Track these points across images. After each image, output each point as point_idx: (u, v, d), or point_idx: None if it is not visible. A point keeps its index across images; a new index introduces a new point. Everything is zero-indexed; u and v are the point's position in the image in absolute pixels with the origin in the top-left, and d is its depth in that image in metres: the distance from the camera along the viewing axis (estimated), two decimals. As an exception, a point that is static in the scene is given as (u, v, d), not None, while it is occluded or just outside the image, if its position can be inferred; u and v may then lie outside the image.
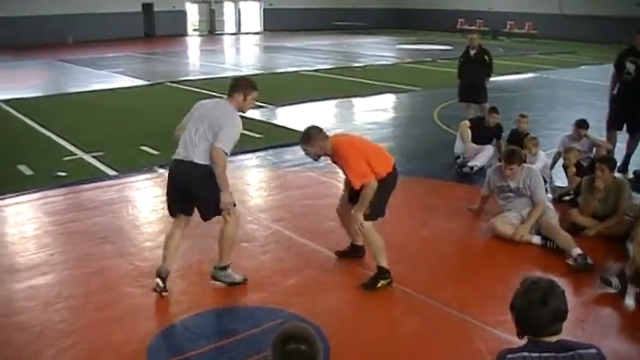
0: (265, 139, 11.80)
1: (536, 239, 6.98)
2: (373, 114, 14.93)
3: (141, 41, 36.30)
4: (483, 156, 9.65)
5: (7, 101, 16.16)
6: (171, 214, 5.96)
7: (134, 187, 9.21)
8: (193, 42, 38.85)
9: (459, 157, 9.80)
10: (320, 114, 15.07)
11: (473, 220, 7.73)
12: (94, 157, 10.63)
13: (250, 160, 10.56)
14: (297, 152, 10.75)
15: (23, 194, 8.83)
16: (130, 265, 6.48)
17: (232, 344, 5.06)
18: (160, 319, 5.48)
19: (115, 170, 9.80)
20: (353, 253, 6.64)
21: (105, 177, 9.58)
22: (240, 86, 5.92)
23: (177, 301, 5.82)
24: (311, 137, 5.95)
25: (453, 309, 5.57)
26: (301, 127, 12.17)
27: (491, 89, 12.43)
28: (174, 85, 19.42)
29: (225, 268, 5.95)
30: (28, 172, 9.87)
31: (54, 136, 12.25)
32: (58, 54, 28.61)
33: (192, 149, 5.59)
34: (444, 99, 15.26)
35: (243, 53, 34.11)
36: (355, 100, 16.80)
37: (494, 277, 6.31)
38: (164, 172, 9.56)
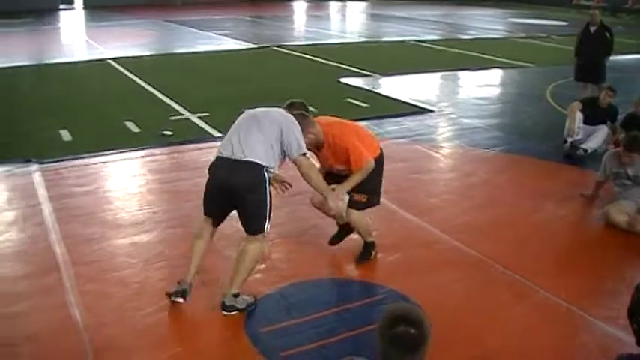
0: (370, 108, 11.63)
1: (655, 231, 6.58)
2: (481, 89, 14.48)
3: (248, 5, 36.49)
4: (597, 138, 9.13)
5: (116, 59, 16.51)
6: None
7: (238, 150, 9.21)
8: (299, 7, 38.85)
9: (566, 141, 9.28)
10: (425, 86, 14.75)
11: (585, 206, 7.34)
12: (199, 117, 10.71)
13: (354, 129, 10.39)
14: (403, 123, 10.62)
15: (129, 151, 8.98)
16: (231, 228, 6.39)
17: (329, 317, 4.96)
18: (259, 285, 5.41)
19: (219, 132, 9.82)
20: (344, 234, 6.09)
21: (210, 138, 9.62)
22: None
23: (276, 268, 5.76)
24: (299, 124, 5.14)
25: (560, 298, 5.27)
26: (407, 98, 12.25)
27: (609, 69, 11.83)
28: (280, 49, 19.41)
29: (237, 294, 5.09)
30: (134, 129, 10.04)
31: (161, 95, 12.43)
32: (165, 14, 29.12)
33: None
34: (558, 77, 14.64)
35: (349, 20, 33.87)
36: (462, 74, 16.35)
37: (606, 269, 5.97)
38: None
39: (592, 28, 11.63)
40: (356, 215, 5.68)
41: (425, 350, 2.62)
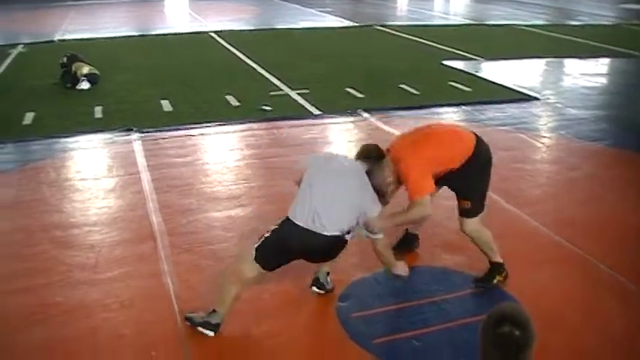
0: (473, 92, 11.33)
1: None
2: (590, 78, 13.89)
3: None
4: None
5: (218, 32, 16.67)
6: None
7: (337, 129, 9.15)
8: (403, -13, 38.38)
9: None
10: (531, 72, 14.28)
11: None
12: (298, 94, 10.69)
13: (456, 113, 10.16)
14: (506, 110, 10.31)
15: (228, 124, 9.03)
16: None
17: (426, 306, 4.81)
18: (353, 268, 5.33)
19: (319, 109, 9.78)
20: (406, 244, 5.69)
21: (308, 115, 9.58)
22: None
23: (371, 253, 5.57)
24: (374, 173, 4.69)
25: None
26: (511, 84, 11.89)
27: None
28: (383, 29, 19.21)
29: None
30: (234, 102, 10.10)
31: (261, 70, 12.50)
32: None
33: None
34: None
35: (453, 2, 33.19)
36: (570, 62, 15.74)
37: None
38: (368, 117, 9.48)
39: None
40: (472, 225, 5.08)
41: (529, 352, 2.53)
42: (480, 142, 4.98)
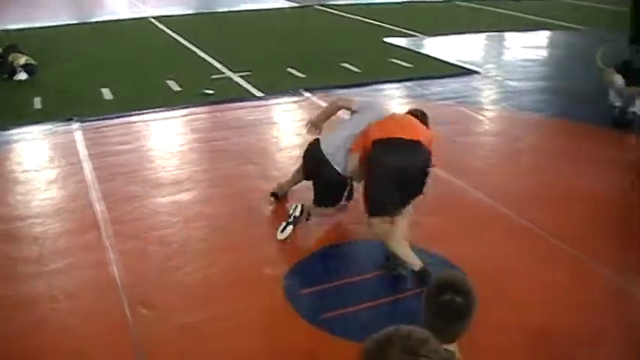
0: (414, 69, 11.40)
1: None
2: (529, 51, 14.09)
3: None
4: None
5: (157, 17, 16.45)
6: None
7: (279, 109, 9.14)
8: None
9: (614, 106, 9.02)
10: (471, 47, 14.41)
11: (635, 172, 7.09)
12: (240, 76, 10.62)
13: (398, 89, 10.23)
14: (448, 85, 10.41)
15: (170, 109, 8.94)
16: (272, 188, 6.37)
17: (372, 280, 4.87)
18: (300, 246, 5.36)
19: (261, 91, 9.74)
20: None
21: (251, 97, 9.54)
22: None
23: (319, 229, 5.67)
24: None
25: (613, 272, 5.05)
26: (452, 59, 11.98)
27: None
28: (324, 8, 19.17)
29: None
30: (176, 87, 9.99)
31: (202, 54, 12.36)
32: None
33: None
34: (609, 40, 14.18)
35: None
36: (509, 35, 15.93)
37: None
38: (310, 96, 9.46)
39: (647, -11, 11.18)
40: (371, 223, 5.04)
41: (470, 320, 2.57)
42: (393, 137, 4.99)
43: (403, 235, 4.92)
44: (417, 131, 5.08)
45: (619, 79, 8.97)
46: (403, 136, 4.98)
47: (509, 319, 4.46)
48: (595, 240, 5.58)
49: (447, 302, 2.50)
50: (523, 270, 5.11)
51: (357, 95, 8.60)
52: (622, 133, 8.48)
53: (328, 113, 5.96)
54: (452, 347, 2.55)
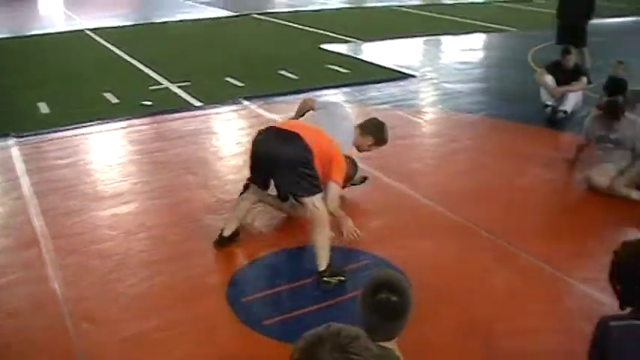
0: (352, 74, 11.54)
1: (636, 194, 6.55)
2: (464, 53, 14.39)
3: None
4: (571, 99, 9.19)
5: (94, 30, 16.29)
6: None
7: (218, 119, 9.15)
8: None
9: (547, 105, 9.33)
10: (408, 51, 14.65)
11: (568, 170, 7.32)
12: (179, 87, 10.60)
13: (336, 95, 10.29)
14: (384, 90, 10.55)
15: (109, 122, 8.87)
16: (212, 197, 6.41)
17: (313, 284, 4.91)
18: (241, 254, 5.41)
19: (200, 101, 9.75)
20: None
21: (190, 107, 9.53)
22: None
23: (260, 237, 5.72)
24: None
25: (544, 263, 5.25)
26: (389, 64, 12.16)
27: (590, 32, 11.71)
28: (261, 17, 19.21)
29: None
30: (114, 99, 9.92)
31: (140, 65, 12.29)
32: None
33: None
34: (539, 41, 14.53)
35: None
36: (445, 39, 16.23)
37: (587, 232, 5.95)
38: (249, 104, 9.50)
39: (573, -9, 11.49)
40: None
41: (407, 318, 2.63)
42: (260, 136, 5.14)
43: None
44: (303, 128, 5.16)
45: (550, 79, 9.27)
46: (283, 127, 5.19)
47: (450, 315, 4.58)
48: (530, 235, 5.78)
49: (383, 301, 2.56)
50: (462, 267, 5.25)
51: (295, 102, 8.64)
52: (554, 131, 8.76)
53: (299, 111, 6.29)
54: (390, 345, 2.62)
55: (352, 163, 5.58)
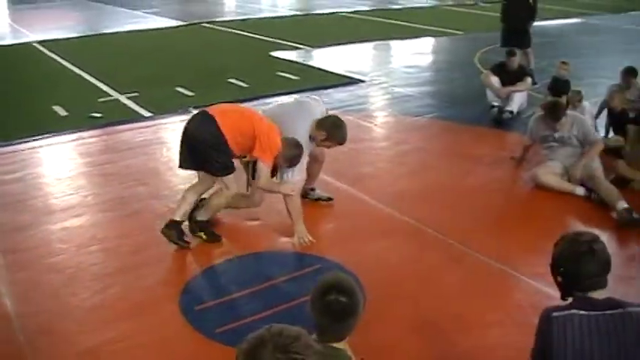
0: (301, 81, 11.62)
1: (580, 190, 6.74)
2: (412, 57, 14.61)
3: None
4: (517, 99, 9.42)
5: (41, 42, 16.11)
6: None
7: (169, 129, 9.12)
8: (230, -18, 38.36)
9: (493, 106, 9.55)
10: (357, 57, 14.79)
11: (515, 169, 7.50)
12: (128, 98, 10.56)
13: (286, 102, 10.38)
14: (334, 95, 10.65)
15: (58, 135, 8.80)
16: (164, 207, 6.41)
17: (266, 290, 4.97)
18: (194, 263, 5.43)
19: (149, 111, 9.72)
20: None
21: (140, 118, 9.50)
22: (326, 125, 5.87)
23: (212, 246, 5.74)
24: None
25: (493, 260, 5.40)
26: (338, 70, 12.27)
27: (533, 34, 11.99)
28: (210, 25, 19.19)
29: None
30: (62, 112, 9.83)
31: (88, 77, 12.20)
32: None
33: None
34: (485, 43, 14.82)
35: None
36: (393, 43, 16.44)
37: (534, 228, 6.09)
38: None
39: (516, -6, 11.74)
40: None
41: (356, 319, 2.67)
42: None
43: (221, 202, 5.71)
44: (222, 112, 5.58)
45: (495, 81, 9.48)
46: (208, 111, 5.60)
47: (403, 314, 4.69)
48: (479, 233, 5.93)
49: (332, 302, 2.60)
50: (413, 267, 5.37)
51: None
52: (501, 131, 8.96)
53: None
54: (341, 345, 2.67)
55: (295, 146, 5.62)
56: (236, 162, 5.69)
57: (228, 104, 6.26)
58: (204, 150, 5.47)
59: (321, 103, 6.36)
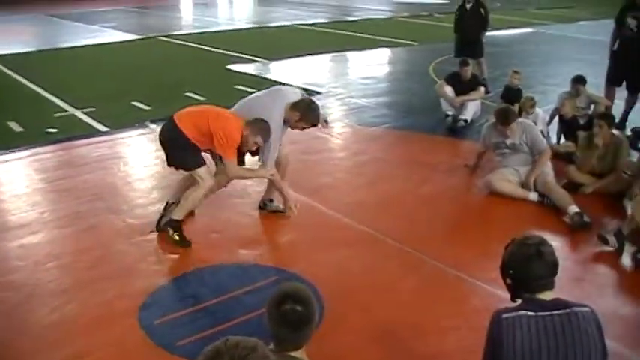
0: (259, 94, 11.63)
1: (533, 196, 6.91)
2: (368, 68, 14.75)
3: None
4: (470, 108, 9.61)
5: (-5, 56, 15.93)
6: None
7: (125, 144, 9.10)
8: (186, -5, 38.28)
9: (447, 115, 9.72)
10: (313, 68, 14.89)
11: (470, 176, 7.65)
12: (84, 113, 10.48)
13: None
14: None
15: (13, 151, 8.71)
16: (121, 222, 6.41)
17: (226, 302, 5.00)
18: (153, 277, 5.41)
19: (106, 126, 9.67)
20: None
21: (96, 133, 9.44)
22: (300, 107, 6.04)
23: (170, 259, 5.76)
24: None
25: (449, 266, 5.51)
26: (295, 82, 12.34)
27: (486, 44, 12.21)
28: (166, 39, 19.13)
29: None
30: (18, 128, 9.72)
31: (44, 93, 12.07)
32: (48, 8, 28.09)
33: None
34: (440, 54, 15.04)
35: (236, 7, 33.64)
36: (350, 55, 16.57)
37: (489, 234, 6.21)
38: (156, 128, 9.46)
39: (468, 5, 11.91)
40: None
41: (312, 328, 2.71)
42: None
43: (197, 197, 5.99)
44: (182, 114, 5.97)
45: (449, 90, 9.66)
46: (173, 114, 6.02)
47: (361, 322, 4.76)
48: (435, 240, 6.07)
49: (288, 311, 2.64)
50: (371, 275, 5.45)
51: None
52: (455, 140, 9.11)
53: None
54: (298, 354, 2.70)
55: (258, 121, 5.85)
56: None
57: (195, 106, 6.46)
58: (172, 150, 5.96)
59: (296, 90, 6.54)
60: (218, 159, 6.10)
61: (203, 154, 6.00)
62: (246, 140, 5.78)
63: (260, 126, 5.79)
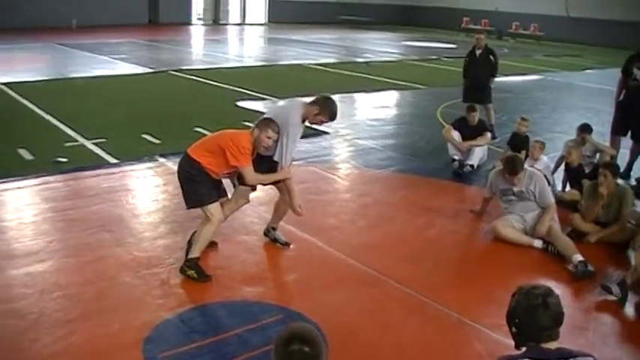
0: (268, 131, 11.72)
1: (538, 243, 6.96)
2: (376, 110, 14.88)
3: (145, 28, 36.00)
4: (477, 153, 9.69)
5: (8, 84, 16.07)
6: None
7: (134, 176, 9.16)
8: (197, 31, 38.69)
9: (454, 159, 9.80)
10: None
11: (475, 221, 7.71)
12: (94, 144, 10.56)
13: (252, 152, 10.48)
14: (299, 146, 10.73)
15: (23, 179, 8.77)
16: (128, 255, 6.45)
17: (229, 339, 5.02)
18: (157, 311, 5.44)
19: (116, 158, 9.74)
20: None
21: (106, 165, 9.51)
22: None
23: (175, 293, 5.78)
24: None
25: (453, 311, 5.55)
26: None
27: (494, 90, 12.35)
28: (177, 73, 19.31)
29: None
30: (28, 156, 9.81)
31: (55, 121, 12.18)
32: (60, 38, 28.36)
33: None
34: (447, 98, 15.21)
35: (247, 44, 33.99)
36: (358, 96, 16.72)
37: (493, 280, 6.28)
38: (165, 161, 9.57)
39: (478, 52, 12.11)
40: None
41: None
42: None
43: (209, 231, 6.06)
44: (194, 146, 6.10)
45: (456, 135, 9.75)
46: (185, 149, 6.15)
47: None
48: (439, 284, 6.10)
49: (296, 352, 2.67)
50: (373, 317, 5.48)
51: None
52: (461, 184, 9.18)
53: None
54: (304, 394, 2.72)
55: (264, 120, 6.08)
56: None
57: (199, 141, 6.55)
58: (187, 183, 6.02)
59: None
60: (235, 178, 6.27)
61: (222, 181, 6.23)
62: (259, 139, 5.93)
63: (266, 121, 6.02)
